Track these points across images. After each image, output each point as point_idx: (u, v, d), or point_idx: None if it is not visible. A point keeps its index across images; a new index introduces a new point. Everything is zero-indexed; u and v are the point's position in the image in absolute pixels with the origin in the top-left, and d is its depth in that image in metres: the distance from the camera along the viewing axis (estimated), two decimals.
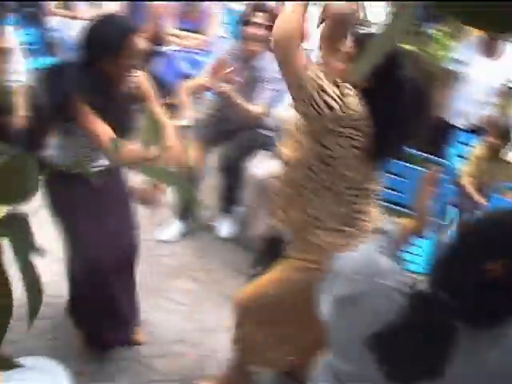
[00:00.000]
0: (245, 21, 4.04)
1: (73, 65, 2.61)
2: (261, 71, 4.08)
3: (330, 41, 2.37)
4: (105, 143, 2.51)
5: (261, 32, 3.98)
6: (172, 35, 5.82)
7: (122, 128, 2.68)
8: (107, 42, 2.53)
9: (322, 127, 2.12)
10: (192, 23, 5.83)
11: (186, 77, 5.60)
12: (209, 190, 4.76)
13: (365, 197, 2.37)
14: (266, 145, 4.49)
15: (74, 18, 6.12)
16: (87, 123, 2.55)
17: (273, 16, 3.97)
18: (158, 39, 5.97)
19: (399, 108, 2.18)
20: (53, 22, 6.28)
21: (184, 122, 5.55)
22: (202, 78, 4.21)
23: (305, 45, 5.53)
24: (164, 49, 5.82)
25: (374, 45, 1.12)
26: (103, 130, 2.54)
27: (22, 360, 2.07)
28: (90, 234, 2.83)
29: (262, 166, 3.92)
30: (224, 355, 3.33)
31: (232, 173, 4.25)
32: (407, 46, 4.54)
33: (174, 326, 3.51)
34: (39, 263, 1.01)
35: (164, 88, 5.85)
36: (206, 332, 3.49)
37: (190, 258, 4.15)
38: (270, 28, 3.94)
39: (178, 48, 5.75)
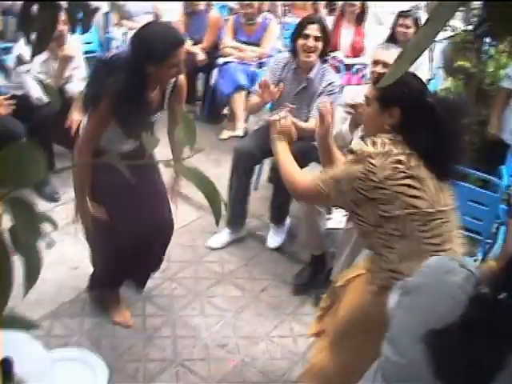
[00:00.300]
0: (297, 33, 4.09)
1: (120, 63, 2.79)
2: (314, 83, 4.11)
3: (376, 121, 2.47)
4: (79, 144, 2.91)
5: (311, 44, 4.03)
6: (230, 47, 5.91)
7: (143, 128, 2.83)
8: (154, 49, 2.69)
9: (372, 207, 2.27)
10: (249, 36, 5.91)
11: (243, 88, 5.68)
12: (259, 200, 4.82)
13: (439, 226, 2.37)
14: (318, 156, 4.51)
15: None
16: (93, 118, 2.85)
17: (323, 28, 4.01)
18: (215, 51, 6.08)
19: (437, 131, 2.25)
20: (115, 32, 6.48)
21: (237, 133, 5.64)
22: (254, 97, 4.29)
23: (361, 59, 5.55)
24: (221, 60, 5.91)
25: (408, 49, 1.15)
26: (93, 132, 2.88)
27: (65, 351, 2.16)
28: (123, 209, 3.07)
29: None
30: (263, 364, 3.36)
31: (282, 186, 4.27)
32: (466, 64, 4.50)
33: (217, 331, 3.55)
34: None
35: (221, 99, 5.96)
36: (247, 339, 3.52)
37: (237, 265, 4.19)
38: (319, 39, 3.99)
39: (235, 60, 5.83)
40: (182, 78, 3.08)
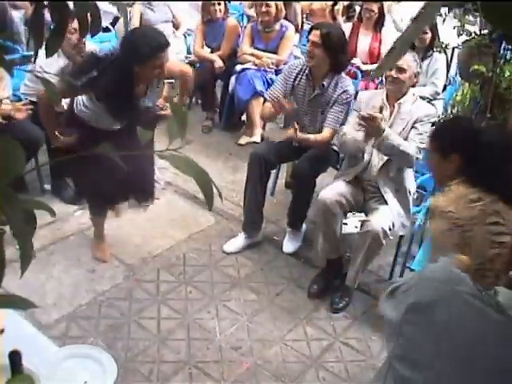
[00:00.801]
0: (307, 39, 4.16)
1: (110, 60, 3.21)
2: (327, 91, 4.13)
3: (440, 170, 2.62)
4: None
5: (309, 48, 4.06)
6: (247, 54, 5.96)
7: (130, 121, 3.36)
8: (138, 51, 3.10)
9: None
10: (267, 43, 5.95)
11: (260, 95, 5.72)
12: (276, 206, 4.84)
13: None
14: (336, 162, 4.53)
15: None
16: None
17: (324, 36, 4.00)
18: (233, 58, 6.13)
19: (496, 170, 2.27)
20: None
21: (254, 139, 5.67)
22: (268, 106, 4.33)
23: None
24: (239, 67, 5.95)
25: (398, 43, 1.18)
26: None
27: (74, 348, 2.20)
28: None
29: (331, 189, 3.90)
30: (276, 367, 3.37)
31: (301, 190, 4.29)
32: (482, 68, 4.48)
33: (231, 334, 3.57)
34: None
35: (238, 105, 6.00)
36: (261, 342, 3.54)
37: (253, 270, 4.21)
38: (319, 46, 3.98)
39: (252, 67, 5.87)
40: (186, 67, 3.67)
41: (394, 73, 3.71)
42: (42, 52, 4.33)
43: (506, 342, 1.54)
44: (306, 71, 4.19)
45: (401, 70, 3.68)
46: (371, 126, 3.58)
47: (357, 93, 4.45)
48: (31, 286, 3.64)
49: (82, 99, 3.51)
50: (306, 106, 4.21)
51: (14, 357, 1.72)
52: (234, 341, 3.53)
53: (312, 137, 4.10)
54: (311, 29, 4.16)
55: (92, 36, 1.69)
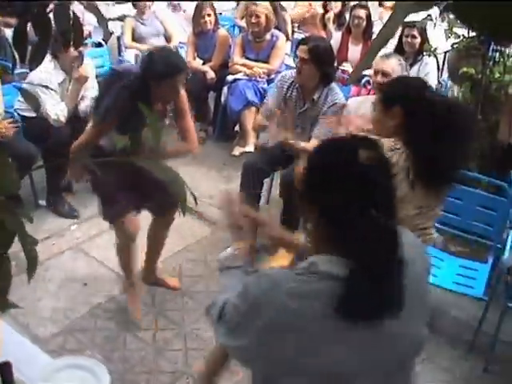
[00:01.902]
0: (295, 54, 4.18)
1: (130, 77, 3.20)
2: (317, 104, 4.14)
3: (381, 123, 2.55)
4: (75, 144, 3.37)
5: (298, 64, 4.10)
6: (238, 64, 5.99)
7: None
8: (156, 70, 3.14)
9: None
10: (258, 53, 5.99)
11: (252, 105, 5.75)
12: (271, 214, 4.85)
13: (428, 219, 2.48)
14: None
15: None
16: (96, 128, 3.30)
17: (311, 50, 4.01)
18: (225, 69, 6.17)
19: (437, 136, 2.26)
20: (127, 54, 6.61)
21: (248, 149, 5.69)
22: (261, 117, 4.35)
23: (368, 71, 5.54)
24: (231, 78, 5.99)
25: (374, 43, 1.21)
26: (91, 138, 3.32)
27: (68, 359, 2.21)
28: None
29: None
30: None
31: (289, 198, 4.29)
32: (470, 71, 4.51)
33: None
34: None
35: (231, 116, 6.04)
36: None
37: None
38: (307, 62, 4.01)
39: (244, 77, 5.90)
40: (183, 100, 3.45)
41: (379, 78, 3.74)
42: (41, 67, 4.40)
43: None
44: (296, 85, 4.21)
45: (386, 75, 3.71)
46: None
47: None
48: (28, 300, 3.65)
49: None
50: (296, 118, 4.23)
51: (5, 368, 1.73)
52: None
53: (301, 143, 4.11)
54: (298, 44, 4.18)
55: (75, 47, 1.71)
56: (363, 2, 6.31)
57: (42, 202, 4.76)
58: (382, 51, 4.52)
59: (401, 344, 1.45)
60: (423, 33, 5.56)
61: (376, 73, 3.79)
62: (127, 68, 3.33)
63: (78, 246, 4.33)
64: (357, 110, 3.94)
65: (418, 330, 1.51)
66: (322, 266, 1.38)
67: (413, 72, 5.64)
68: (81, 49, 4.43)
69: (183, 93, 3.43)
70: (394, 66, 3.72)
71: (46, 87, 4.16)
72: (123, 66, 3.46)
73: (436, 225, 4.13)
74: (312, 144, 4.08)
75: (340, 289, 1.33)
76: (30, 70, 4.75)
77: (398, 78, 3.34)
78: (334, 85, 4.19)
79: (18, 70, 5.62)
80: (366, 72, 5.73)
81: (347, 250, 1.36)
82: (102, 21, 1.59)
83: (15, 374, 1.84)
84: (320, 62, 4.01)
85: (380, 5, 7.33)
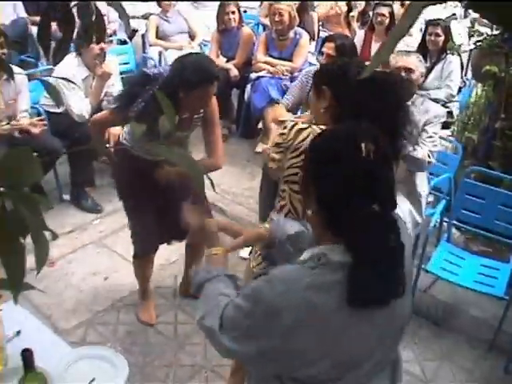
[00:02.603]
0: (319, 51, 4.18)
1: (158, 80, 3.01)
2: None
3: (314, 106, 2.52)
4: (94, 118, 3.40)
5: (324, 61, 4.08)
6: (262, 62, 6.01)
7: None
8: (187, 78, 2.88)
9: None
10: (281, 51, 5.99)
11: (275, 102, 5.76)
12: None
13: None
14: None
15: (174, 48, 6.53)
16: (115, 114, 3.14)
17: (338, 47, 4.02)
18: (248, 67, 6.19)
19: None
20: (151, 51, 6.67)
21: (270, 145, 5.69)
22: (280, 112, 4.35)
23: None
24: (254, 75, 6.01)
25: (388, 40, 1.22)
26: (106, 120, 3.25)
27: (87, 349, 2.25)
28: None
29: None
30: None
31: None
32: (494, 69, 4.48)
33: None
34: None
35: (254, 113, 6.06)
36: None
37: None
38: (334, 59, 4.01)
39: (267, 74, 5.92)
40: (213, 102, 3.23)
41: (403, 74, 3.73)
42: (65, 64, 4.47)
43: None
44: None
45: (409, 71, 3.70)
46: None
47: None
48: (51, 293, 3.72)
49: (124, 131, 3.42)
50: None
51: (26, 354, 1.77)
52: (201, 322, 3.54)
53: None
54: (324, 41, 4.19)
55: (97, 43, 1.74)
56: (386, 1, 6.30)
57: (66, 197, 4.83)
58: (404, 49, 4.51)
59: (403, 316, 1.55)
60: (447, 31, 5.53)
61: (398, 69, 3.78)
62: (157, 72, 3.14)
63: (100, 240, 4.39)
64: None
65: (410, 298, 1.59)
66: (333, 256, 1.41)
67: (436, 70, 5.62)
68: (103, 45, 4.48)
69: (214, 102, 3.24)
70: (416, 62, 3.72)
71: (70, 82, 4.19)
72: (154, 69, 3.28)
73: (458, 223, 4.14)
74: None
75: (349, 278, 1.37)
76: (54, 65, 4.86)
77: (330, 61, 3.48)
78: None
79: (44, 67, 5.73)
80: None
81: (351, 240, 1.39)
82: (124, 17, 1.59)
83: (36, 361, 1.88)
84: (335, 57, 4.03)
85: (402, 5, 7.30)
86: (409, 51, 3.87)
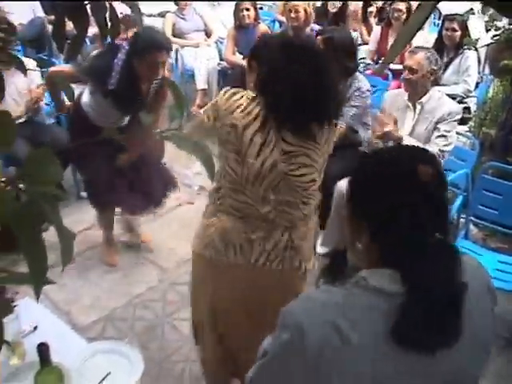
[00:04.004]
0: None
1: (115, 54, 3.43)
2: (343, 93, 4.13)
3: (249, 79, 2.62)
4: None
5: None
6: None
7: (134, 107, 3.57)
8: (138, 46, 3.39)
9: None
10: None
11: None
12: None
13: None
14: None
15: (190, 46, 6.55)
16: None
17: (325, 40, 4.00)
18: None
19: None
20: None
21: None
22: None
23: None
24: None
25: (402, 33, 1.22)
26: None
27: (104, 344, 2.26)
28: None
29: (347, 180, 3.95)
30: None
31: (330, 190, 4.29)
32: (511, 64, 4.44)
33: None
34: None
35: None
36: None
37: None
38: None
39: None
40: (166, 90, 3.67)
41: (406, 74, 3.73)
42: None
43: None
44: None
45: (412, 71, 3.69)
46: (389, 140, 3.64)
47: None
48: (69, 289, 3.76)
49: (86, 99, 3.71)
50: None
51: (42, 348, 1.79)
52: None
53: None
54: (317, 34, 4.19)
55: (113, 38, 1.75)
56: None
57: (83, 194, 4.85)
58: (421, 44, 4.49)
59: (450, 373, 1.31)
60: (464, 26, 5.49)
61: (404, 68, 3.78)
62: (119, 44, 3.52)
63: (117, 236, 4.41)
64: (393, 102, 3.93)
65: (470, 368, 1.36)
66: (372, 280, 1.30)
67: (453, 66, 5.58)
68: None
69: (165, 87, 3.60)
70: (421, 61, 3.68)
71: None
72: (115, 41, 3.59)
73: (475, 220, 4.11)
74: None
75: (392, 306, 1.25)
76: (66, 62, 4.93)
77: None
78: (357, 74, 4.16)
79: (62, 65, 5.77)
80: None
81: (404, 270, 1.27)
82: (137, 14, 1.60)
83: (53, 356, 1.90)
84: (334, 53, 3.92)
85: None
86: (417, 48, 3.82)
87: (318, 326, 1.27)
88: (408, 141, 3.59)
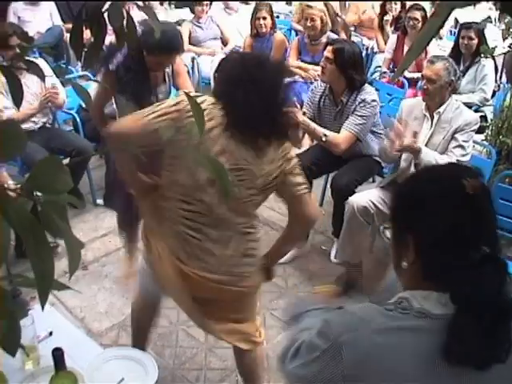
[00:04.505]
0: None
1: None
2: (347, 105, 4.13)
3: None
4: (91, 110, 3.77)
5: (322, 64, 4.09)
6: (294, 67, 6.02)
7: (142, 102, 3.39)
8: (149, 44, 3.27)
9: None
10: (313, 56, 6.00)
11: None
12: (324, 216, 4.85)
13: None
14: (376, 172, 4.54)
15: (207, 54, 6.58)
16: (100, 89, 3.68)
17: (335, 50, 4.01)
18: None
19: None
20: (184, 57, 6.72)
21: (303, 150, 5.70)
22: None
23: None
24: (287, 80, 6.02)
25: (417, 41, 1.22)
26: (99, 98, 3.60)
27: (118, 350, 2.27)
28: None
29: (361, 195, 3.95)
30: None
31: (338, 202, 4.28)
32: None
33: (278, 342, 3.59)
34: None
35: None
36: None
37: (300, 279, 4.23)
38: (332, 62, 3.99)
39: (299, 79, 5.93)
40: (179, 62, 3.75)
41: (424, 84, 3.71)
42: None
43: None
44: (327, 91, 4.22)
45: (430, 81, 3.66)
46: (407, 152, 3.65)
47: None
48: (84, 295, 3.77)
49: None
50: (332, 123, 4.21)
51: (57, 353, 1.80)
52: (280, 349, 3.54)
53: (313, 125, 4.09)
54: (327, 44, 4.19)
55: (129, 47, 1.76)
56: (419, 4, 6.25)
57: (100, 201, 4.89)
58: (438, 53, 4.47)
59: None
60: (480, 34, 5.47)
61: (423, 78, 3.77)
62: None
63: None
64: (409, 111, 3.91)
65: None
66: (416, 302, 1.30)
67: (470, 74, 5.56)
68: None
69: (179, 62, 3.71)
70: (440, 71, 3.65)
71: None
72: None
73: None
74: (337, 135, 4.05)
75: (435, 328, 1.24)
76: (84, 69, 5.03)
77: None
78: (365, 85, 4.15)
79: (78, 73, 5.83)
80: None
81: (452, 288, 1.26)
82: (154, 21, 1.62)
83: (68, 361, 1.91)
84: (343, 65, 4.00)
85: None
86: (436, 58, 3.79)
87: (357, 341, 1.28)
88: (426, 152, 3.58)
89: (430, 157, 3.56)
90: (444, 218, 1.28)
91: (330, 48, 4.04)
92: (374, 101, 4.04)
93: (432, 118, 3.78)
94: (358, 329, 1.30)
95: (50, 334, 2.33)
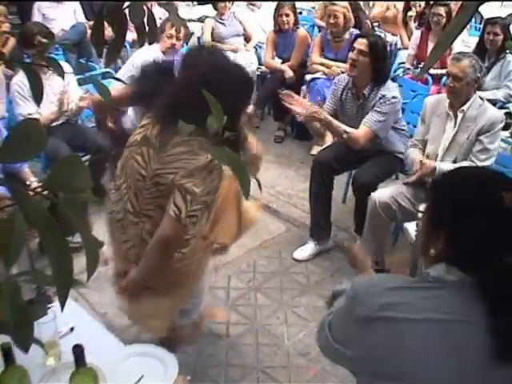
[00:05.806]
0: (350, 47, 4.18)
1: (167, 72, 3.19)
2: (368, 99, 4.11)
3: None
4: None
5: (354, 56, 4.04)
6: (317, 63, 6.00)
7: None
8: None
9: None
10: (336, 52, 5.97)
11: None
12: (347, 213, 4.83)
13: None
14: (399, 169, 4.50)
15: (229, 51, 6.55)
16: None
17: (371, 44, 3.98)
18: (303, 68, 6.19)
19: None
20: None
21: (324, 145, 5.68)
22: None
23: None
24: (309, 77, 6.00)
25: (442, 38, 1.20)
26: None
27: (139, 347, 2.27)
28: None
29: (384, 191, 3.92)
30: (344, 373, 3.35)
31: (359, 199, 4.25)
32: None
33: (300, 340, 3.59)
34: None
35: None
36: None
37: (322, 276, 4.21)
38: (366, 55, 3.96)
39: (322, 76, 5.91)
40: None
41: (449, 82, 3.65)
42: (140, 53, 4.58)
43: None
44: (350, 85, 4.20)
45: (456, 79, 3.60)
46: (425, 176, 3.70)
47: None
48: (106, 291, 3.77)
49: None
50: (354, 117, 4.18)
51: (77, 350, 1.81)
52: (302, 347, 3.54)
53: (335, 122, 4.05)
54: (356, 37, 4.15)
55: (150, 43, 1.76)
56: (443, 0, 6.19)
57: None
58: (462, 49, 4.41)
59: None
60: (506, 30, 5.40)
61: (448, 76, 3.71)
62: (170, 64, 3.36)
63: None
64: (432, 108, 3.86)
65: None
66: (434, 272, 1.40)
67: (494, 70, 5.49)
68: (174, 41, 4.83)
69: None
70: (466, 68, 3.59)
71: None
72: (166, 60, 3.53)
73: None
74: (357, 131, 4.01)
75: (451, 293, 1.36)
76: (105, 66, 5.10)
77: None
78: (388, 82, 4.13)
79: (101, 70, 5.86)
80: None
81: (481, 281, 1.35)
82: (174, 18, 1.62)
83: (89, 357, 1.92)
84: (376, 58, 3.99)
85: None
86: (462, 55, 3.72)
87: (366, 300, 1.41)
88: (443, 169, 3.55)
89: (448, 168, 3.50)
90: (480, 227, 1.34)
91: (363, 41, 4.01)
92: (394, 97, 4.00)
93: (456, 116, 3.72)
94: (373, 286, 1.43)
95: (72, 329, 2.34)
